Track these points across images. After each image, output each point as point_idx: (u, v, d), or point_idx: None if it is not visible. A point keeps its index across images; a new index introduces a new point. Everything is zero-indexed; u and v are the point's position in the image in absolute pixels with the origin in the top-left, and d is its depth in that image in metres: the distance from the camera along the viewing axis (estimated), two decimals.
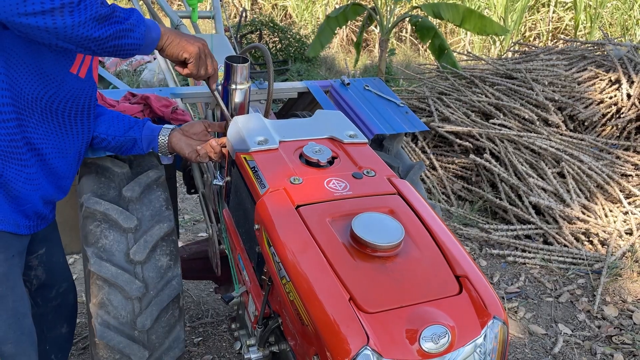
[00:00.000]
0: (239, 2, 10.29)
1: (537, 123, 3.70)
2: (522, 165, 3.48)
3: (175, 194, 2.26)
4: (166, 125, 1.50)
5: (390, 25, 4.89)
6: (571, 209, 3.19)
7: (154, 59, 6.06)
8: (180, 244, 2.29)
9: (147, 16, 2.89)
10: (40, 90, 1.23)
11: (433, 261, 1.09)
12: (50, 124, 1.29)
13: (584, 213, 3.22)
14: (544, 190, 3.34)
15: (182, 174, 2.26)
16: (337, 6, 8.63)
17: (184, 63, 1.30)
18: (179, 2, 9.77)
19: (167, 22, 2.78)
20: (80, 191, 1.53)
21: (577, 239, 3.14)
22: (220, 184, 1.54)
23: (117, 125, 1.46)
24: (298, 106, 2.39)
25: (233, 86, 1.49)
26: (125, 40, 1.14)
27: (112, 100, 1.66)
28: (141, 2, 2.90)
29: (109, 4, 1.12)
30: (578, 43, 4.86)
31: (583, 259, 2.98)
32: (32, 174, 1.29)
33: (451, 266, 1.09)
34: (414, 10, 4.96)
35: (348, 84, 2.17)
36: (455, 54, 4.93)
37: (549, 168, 3.45)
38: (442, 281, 1.05)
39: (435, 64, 4.88)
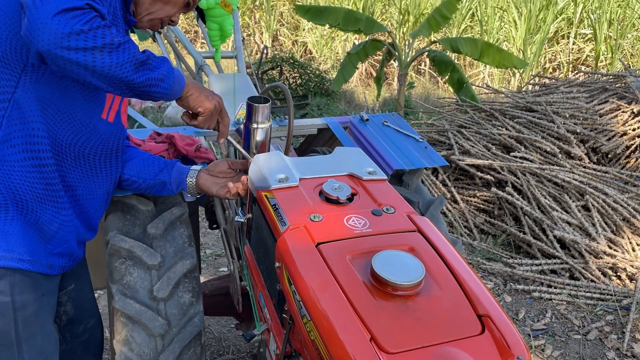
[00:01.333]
0: (260, 39, 10.56)
1: (560, 156, 3.67)
2: (545, 198, 3.44)
3: (197, 229, 2.29)
4: (193, 167, 1.54)
5: (408, 60, 4.96)
6: (597, 243, 3.13)
7: None
8: (202, 278, 2.31)
9: (172, 57, 2.99)
10: (74, 137, 1.28)
11: (454, 300, 1.09)
12: (83, 167, 1.34)
13: (610, 247, 3.15)
14: (569, 223, 3.28)
15: (205, 210, 2.29)
16: (356, 41, 8.80)
17: (195, 114, 1.36)
18: (202, 42, 10.06)
19: (190, 62, 2.87)
20: (107, 228, 1.57)
21: (605, 274, 3.07)
22: (242, 220, 1.56)
23: (148, 169, 1.51)
24: (318, 142, 2.43)
25: (255, 125, 1.53)
26: (155, 89, 1.18)
27: (138, 139, 1.72)
28: (166, 42, 3.00)
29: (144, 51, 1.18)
30: (599, 75, 4.85)
31: (611, 295, 2.90)
32: (67, 216, 1.33)
33: (473, 305, 1.08)
34: (432, 45, 5.02)
35: (367, 119, 2.20)
36: (474, 87, 4.95)
37: (573, 201, 3.40)
38: (464, 320, 1.04)
39: (455, 97, 4.91)
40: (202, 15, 2.52)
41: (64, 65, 1.04)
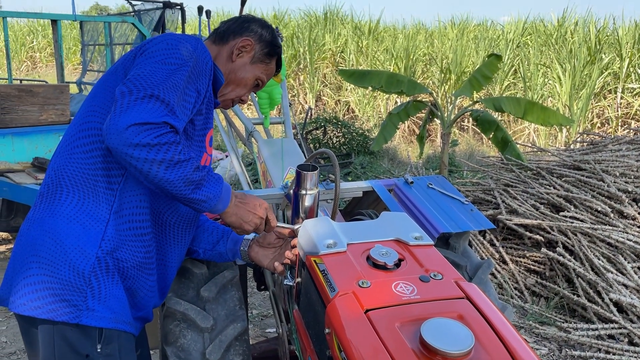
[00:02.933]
0: (304, 99, 10.91)
1: (612, 215, 3.57)
2: (598, 259, 3.32)
3: (245, 290, 2.34)
4: (245, 237, 1.62)
5: (451, 119, 5.02)
6: None
7: (226, 156, 6.46)
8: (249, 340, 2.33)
9: (224, 123, 3.15)
10: (168, 207, 1.39)
11: None
12: (169, 235, 1.43)
13: None
14: (625, 286, 3.15)
15: (253, 271, 2.35)
16: (398, 100, 8.96)
17: None
18: (250, 103, 10.48)
19: (241, 128, 3.02)
20: None
21: None
22: (291, 284, 1.60)
23: (207, 239, 1.59)
24: (363, 204, 2.47)
25: (303, 192, 1.60)
26: (194, 205, 1.29)
27: None
28: (218, 110, 3.17)
29: (202, 167, 1.28)
30: None
31: None
32: (153, 282, 1.41)
33: None
34: (475, 105, 5.07)
35: (412, 182, 2.23)
36: (519, 145, 4.94)
37: (628, 262, 3.27)
38: None
39: (499, 155, 4.90)
40: None
41: (124, 161, 1.18)
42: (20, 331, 1.36)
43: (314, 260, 1.40)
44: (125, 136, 1.13)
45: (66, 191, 1.28)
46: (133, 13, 7.66)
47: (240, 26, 1.53)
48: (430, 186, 2.21)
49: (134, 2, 7.76)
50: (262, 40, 1.52)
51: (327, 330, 1.24)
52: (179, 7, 4.74)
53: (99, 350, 1.25)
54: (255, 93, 2.71)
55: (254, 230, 1.49)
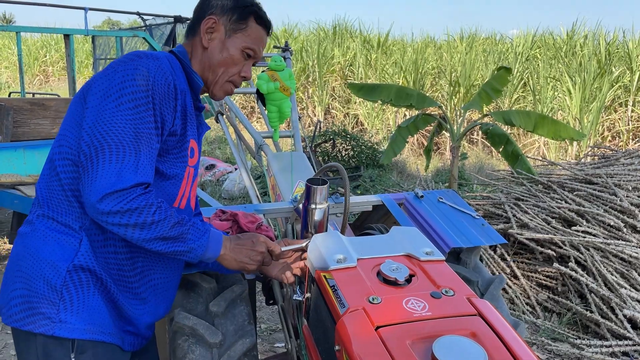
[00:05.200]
0: (313, 112, 10.94)
1: (624, 230, 3.52)
2: (611, 274, 3.27)
3: (254, 304, 2.32)
4: None
5: (460, 132, 5.00)
6: None
7: (235, 169, 6.47)
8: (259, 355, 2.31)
9: (233, 136, 3.16)
10: None
11: None
12: (157, 256, 1.40)
13: None
14: (639, 302, 3.09)
15: (262, 285, 2.33)
16: (407, 113, 8.96)
17: None
18: (259, 116, 10.52)
19: (251, 142, 3.02)
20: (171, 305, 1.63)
21: None
22: (300, 299, 1.58)
23: None
24: (372, 218, 2.46)
25: (313, 206, 1.59)
26: (178, 256, 1.30)
27: (205, 217, 1.81)
28: (228, 123, 3.18)
29: (185, 220, 1.29)
30: None
31: None
32: (138, 300, 1.39)
33: None
34: (485, 118, 5.06)
35: (422, 196, 2.22)
36: (529, 158, 4.90)
37: None
38: None
39: (509, 168, 4.86)
40: (262, 98, 2.69)
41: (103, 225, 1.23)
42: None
43: (324, 276, 1.39)
44: (99, 208, 1.17)
45: (46, 209, 1.32)
46: (144, 27, 7.76)
47: (200, 9, 1.44)
48: (441, 200, 2.20)
49: (145, 17, 7.85)
50: (225, 9, 1.41)
51: (337, 347, 1.22)
52: (189, 21, 4.79)
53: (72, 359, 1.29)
54: (265, 107, 2.72)
55: (259, 268, 1.47)
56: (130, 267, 1.36)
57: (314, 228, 1.61)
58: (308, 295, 1.56)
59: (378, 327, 1.19)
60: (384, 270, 1.36)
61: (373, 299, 1.27)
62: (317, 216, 1.61)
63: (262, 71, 2.69)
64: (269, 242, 1.47)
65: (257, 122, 10.27)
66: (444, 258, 1.46)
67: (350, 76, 11.11)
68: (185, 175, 1.40)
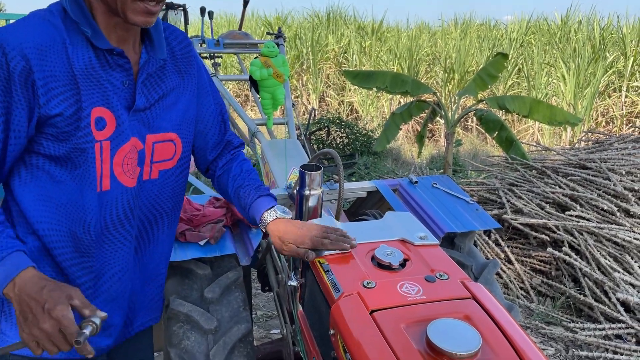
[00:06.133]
0: (308, 100, 10.90)
1: (618, 214, 3.54)
2: (605, 258, 3.30)
3: (249, 291, 2.33)
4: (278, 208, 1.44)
5: (455, 119, 4.99)
6: None
7: None
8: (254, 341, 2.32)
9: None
10: (76, 224, 1.20)
11: None
12: (104, 245, 1.24)
13: None
14: (632, 285, 3.12)
15: (257, 272, 2.34)
16: (402, 100, 8.94)
17: None
18: (253, 104, 10.48)
19: (244, 129, 3.01)
20: (166, 292, 1.63)
21: None
22: (295, 284, 1.59)
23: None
24: (367, 204, 2.46)
25: (307, 192, 1.59)
26: None
27: (198, 204, 1.80)
28: None
29: None
30: None
31: None
32: (94, 300, 1.26)
33: None
34: (479, 104, 5.05)
35: (416, 182, 2.22)
36: (523, 144, 4.91)
37: (635, 262, 3.24)
38: None
39: (504, 154, 4.87)
40: (255, 85, 2.68)
41: None
42: None
43: (318, 261, 1.39)
44: None
45: None
46: None
47: None
48: (435, 186, 2.20)
49: None
50: None
51: (331, 332, 1.23)
52: (181, 8, 4.75)
53: None
54: (259, 94, 2.70)
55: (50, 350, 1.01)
56: (72, 265, 1.22)
57: (308, 214, 1.61)
58: (303, 280, 1.57)
59: (372, 311, 1.19)
60: (378, 255, 1.36)
61: (367, 284, 1.27)
62: (311, 202, 1.61)
63: (255, 57, 2.67)
64: (76, 299, 1.01)
65: (251, 110, 10.22)
66: (438, 242, 1.47)
67: (344, 63, 11.06)
68: (97, 153, 1.14)
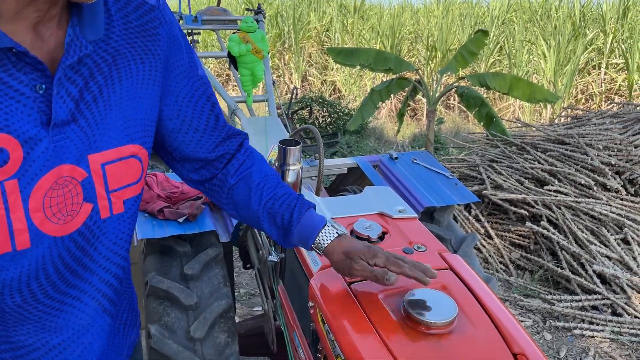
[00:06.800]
0: (290, 79, 10.82)
1: (595, 188, 3.60)
2: (582, 232, 3.36)
3: (231, 269, 2.33)
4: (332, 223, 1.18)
5: (436, 96, 5.00)
6: (639, 277, 3.03)
7: None
8: (236, 318, 2.33)
9: None
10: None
11: (488, 338, 1.08)
12: (26, 313, 0.86)
13: None
14: (608, 257, 3.19)
15: (238, 250, 2.34)
16: (384, 79, 8.92)
17: None
18: (234, 84, 10.36)
19: (224, 106, 2.98)
20: (145, 270, 1.62)
21: None
22: (275, 260, 1.59)
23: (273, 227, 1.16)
24: (348, 181, 2.47)
25: (286, 167, 1.58)
26: None
27: (177, 182, 1.79)
28: None
29: None
30: (632, 105, 4.78)
31: None
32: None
33: (508, 343, 1.07)
34: (460, 81, 5.06)
35: (396, 158, 2.23)
36: (504, 120, 4.94)
37: (611, 234, 3.32)
38: (498, 359, 1.03)
39: (485, 131, 4.91)
40: (234, 62, 2.64)
41: None
42: None
43: None
44: None
45: None
46: None
47: None
48: (415, 161, 2.21)
49: None
50: None
51: (310, 304, 1.24)
52: None
53: None
54: (237, 70, 2.67)
55: None
56: None
57: None
58: (283, 256, 1.57)
59: (350, 283, 1.20)
60: (357, 229, 1.37)
61: None
62: (290, 177, 1.60)
63: (233, 33, 2.63)
64: None
65: (232, 90, 10.11)
66: (416, 215, 1.48)
67: (326, 42, 10.96)
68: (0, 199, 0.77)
